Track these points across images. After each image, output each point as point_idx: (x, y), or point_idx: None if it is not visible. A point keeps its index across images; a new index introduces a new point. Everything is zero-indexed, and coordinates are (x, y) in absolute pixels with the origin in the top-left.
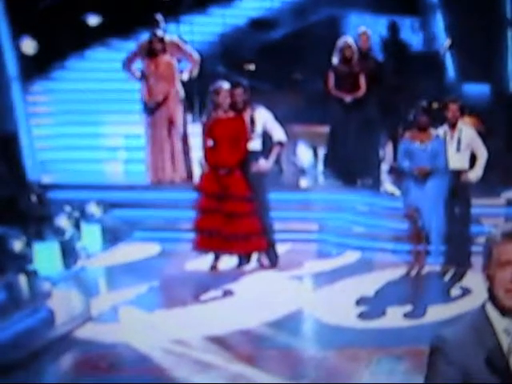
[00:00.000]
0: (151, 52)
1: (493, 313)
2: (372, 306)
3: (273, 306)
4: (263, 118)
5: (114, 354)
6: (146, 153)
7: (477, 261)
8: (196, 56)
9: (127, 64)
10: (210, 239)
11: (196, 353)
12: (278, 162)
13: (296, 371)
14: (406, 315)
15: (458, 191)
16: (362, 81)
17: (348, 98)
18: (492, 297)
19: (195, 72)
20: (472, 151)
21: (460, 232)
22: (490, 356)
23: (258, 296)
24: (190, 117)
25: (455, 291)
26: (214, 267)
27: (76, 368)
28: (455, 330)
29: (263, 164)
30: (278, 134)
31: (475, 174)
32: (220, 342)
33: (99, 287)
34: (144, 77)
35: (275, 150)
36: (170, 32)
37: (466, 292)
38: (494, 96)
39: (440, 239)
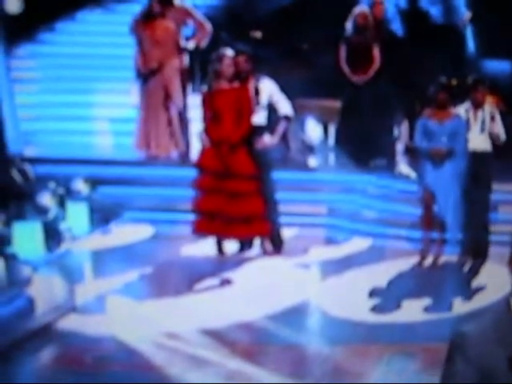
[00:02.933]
0: (149, 15)
1: None
2: (386, 298)
3: (276, 297)
4: (268, 89)
5: (100, 348)
6: (138, 124)
7: (498, 251)
8: (207, 26)
9: (134, 28)
10: (211, 222)
11: (190, 348)
12: (284, 138)
13: (300, 369)
14: (426, 309)
15: (479, 175)
16: (376, 53)
17: (358, 80)
18: None
19: (204, 43)
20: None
21: (478, 219)
22: None
23: (259, 286)
24: (189, 87)
25: (474, 284)
26: (220, 251)
27: (58, 363)
28: (477, 326)
29: (268, 140)
30: (285, 107)
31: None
32: (217, 336)
33: (85, 273)
34: (140, 41)
35: (281, 125)
36: None
37: (485, 285)
38: None
39: (457, 226)
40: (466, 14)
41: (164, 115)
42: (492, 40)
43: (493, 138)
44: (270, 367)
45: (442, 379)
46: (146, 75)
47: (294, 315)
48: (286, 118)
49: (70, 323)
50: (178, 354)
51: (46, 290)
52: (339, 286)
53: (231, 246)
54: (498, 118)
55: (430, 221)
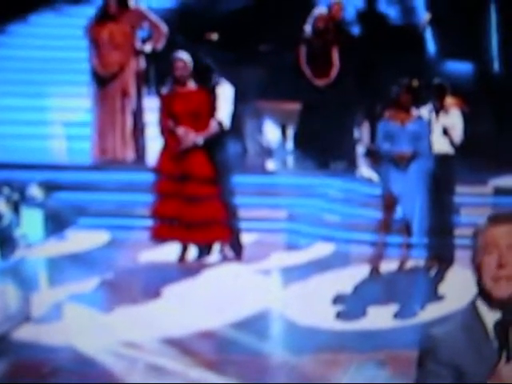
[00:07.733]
0: (104, 18)
1: (483, 309)
2: (351, 304)
3: (237, 305)
4: (223, 94)
5: (57, 359)
6: (93, 128)
7: (462, 255)
8: (163, 28)
9: (89, 30)
10: (169, 227)
11: (150, 357)
12: (241, 140)
13: (264, 379)
14: (395, 315)
15: (442, 178)
16: (335, 55)
17: (320, 83)
18: (480, 290)
19: (160, 45)
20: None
21: (443, 223)
22: (483, 355)
23: (220, 293)
24: (145, 90)
25: (441, 288)
26: (182, 258)
27: (13, 374)
28: (446, 329)
29: (192, 136)
30: (224, 114)
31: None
32: (178, 345)
33: (40, 281)
34: (95, 44)
35: (212, 129)
36: None
37: (452, 289)
38: (478, 75)
39: (423, 231)
40: (425, 16)
41: (121, 119)
42: (452, 41)
43: (450, 140)
44: (233, 377)
45: (416, 382)
46: (105, 78)
47: (257, 323)
48: (220, 124)
49: (24, 333)
50: (138, 363)
51: None
52: (303, 292)
53: (190, 251)
54: (458, 121)
55: (388, 225)
